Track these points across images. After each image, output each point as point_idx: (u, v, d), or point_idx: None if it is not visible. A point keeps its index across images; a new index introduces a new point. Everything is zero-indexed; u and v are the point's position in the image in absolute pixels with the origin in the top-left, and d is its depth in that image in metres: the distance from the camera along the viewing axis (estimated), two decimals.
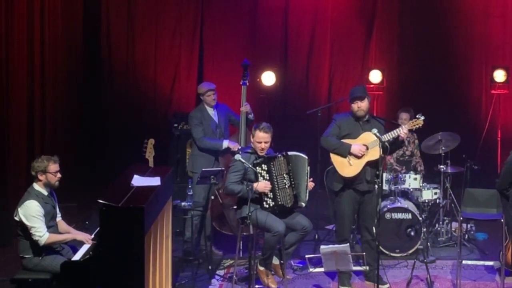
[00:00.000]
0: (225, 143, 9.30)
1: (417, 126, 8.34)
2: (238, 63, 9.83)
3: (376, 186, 7.91)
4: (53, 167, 7.41)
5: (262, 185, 7.99)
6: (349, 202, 8.34)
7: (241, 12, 12.28)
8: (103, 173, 11.12)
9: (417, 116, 8.31)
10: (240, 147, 9.03)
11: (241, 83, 9.57)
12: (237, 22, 12.27)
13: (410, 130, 10.13)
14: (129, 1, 12.05)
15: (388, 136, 8.11)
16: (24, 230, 7.24)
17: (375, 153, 8.11)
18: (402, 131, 8.17)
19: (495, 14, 12.15)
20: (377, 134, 8.03)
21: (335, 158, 8.28)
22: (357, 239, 9.35)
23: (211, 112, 9.49)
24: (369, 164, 8.22)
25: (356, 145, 8.18)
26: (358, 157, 8.19)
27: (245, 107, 9.46)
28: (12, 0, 10.52)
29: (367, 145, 8.18)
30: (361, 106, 8.24)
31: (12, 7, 10.55)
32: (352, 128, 8.30)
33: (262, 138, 8.07)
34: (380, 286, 7.99)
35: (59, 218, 7.64)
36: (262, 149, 8.09)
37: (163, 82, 12.22)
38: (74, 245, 7.53)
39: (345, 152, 8.19)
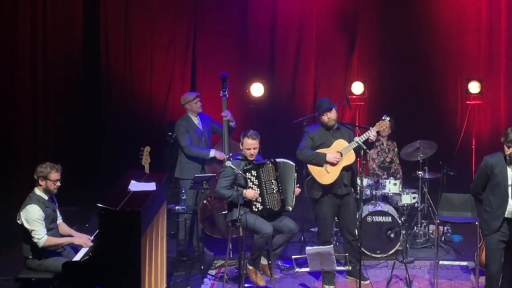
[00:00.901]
0: (212, 153, 9.23)
1: (384, 127, 8.54)
2: (228, 76, 9.76)
3: (358, 191, 7.99)
4: (55, 175, 7.39)
5: (251, 193, 8.01)
6: (329, 207, 8.41)
7: (232, 28, 12.27)
8: (102, 179, 11.12)
9: (382, 118, 8.42)
10: (229, 155, 9.00)
11: (220, 94, 9.47)
12: (227, 38, 12.26)
13: (389, 138, 10.28)
14: (126, 18, 12.02)
15: (360, 140, 8.19)
16: (26, 233, 7.24)
17: (349, 158, 8.31)
18: (371, 134, 8.28)
19: (469, 29, 12.16)
20: (359, 141, 8.12)
21: (312, 168, 8.35)
22: (340, 241, 9.38)
23: (196, 120, 9.42)
24: (345, 168, 8.32)
25: (331, 153, 8.24)
26: (334, 164, 8.26)
27: (226, 113, 9.34)
28: (15, 19, 10.57)
29: (341, 151, 8.25)
30: (331, 116, 8.35)
31: (16, 24, 10.60)
32: (324, 137, 8.38)
33: (251, 145, 8.10)
34: (361, 282, 8.04)
35: (60, 220, 7.64)
36: (252, 155, 8.13)
37: (158, 93, 12.20)
38: (74, 247, 7.54)
39: (321, 161, 8.26)
